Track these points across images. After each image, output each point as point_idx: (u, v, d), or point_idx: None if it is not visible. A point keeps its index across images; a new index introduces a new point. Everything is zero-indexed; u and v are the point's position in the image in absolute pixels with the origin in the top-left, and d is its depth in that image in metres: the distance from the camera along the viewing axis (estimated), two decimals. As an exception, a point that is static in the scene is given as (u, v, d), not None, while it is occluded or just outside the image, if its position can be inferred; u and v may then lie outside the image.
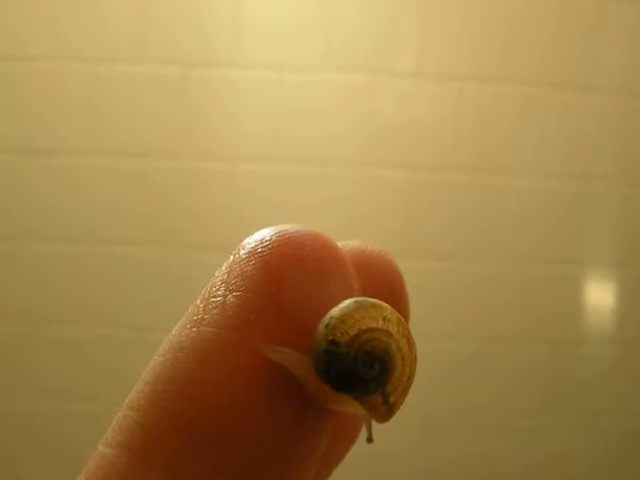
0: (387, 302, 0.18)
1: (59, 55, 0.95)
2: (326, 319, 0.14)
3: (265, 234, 0.15)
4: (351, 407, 0.15)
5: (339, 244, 0.17)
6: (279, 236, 0.15)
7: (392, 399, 0.15)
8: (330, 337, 0.14)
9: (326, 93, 0.96)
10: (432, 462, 0.97)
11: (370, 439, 0.16)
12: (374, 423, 0.16)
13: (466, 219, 0.97)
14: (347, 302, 0.15)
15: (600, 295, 0.99)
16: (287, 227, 0.15)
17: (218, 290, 0.15)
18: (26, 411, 0.95)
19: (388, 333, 0.15)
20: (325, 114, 0.96)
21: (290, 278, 0.15)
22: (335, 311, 0.15)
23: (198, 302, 0.15)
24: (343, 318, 0.14)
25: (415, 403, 0.96)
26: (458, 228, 0.97)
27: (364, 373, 0.14)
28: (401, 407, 0.16)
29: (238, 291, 0.15)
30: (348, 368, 0.14)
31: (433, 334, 0.96)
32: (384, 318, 0.15)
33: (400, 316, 0.15)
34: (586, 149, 0.99)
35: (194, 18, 0.95)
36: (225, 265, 0.15)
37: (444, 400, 0.97)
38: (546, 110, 0.98)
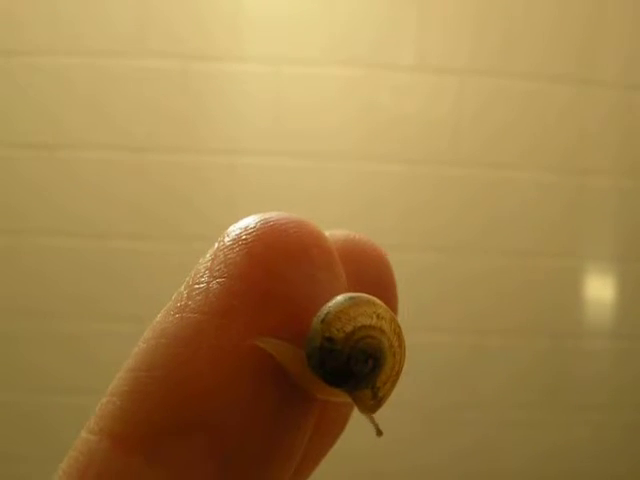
0: (374, 292, 0.18)
1: (60, 49, 0.95)
2: (321, 314, 0.14)
3: (249, 221, 0.15)
4: (339, 397, 0.15)
5: (326, 232, 0.17)
6: (263, 223, 0.15)
7: (381, 393, 0.15)
8: (326, 334, 0.14)
9: (325, 87, 0.96)
10: (432, 455, 0.97)
11: (379, 432, 0.16)
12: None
13: (465, 213, 0.97)
14: (341, 297, 0.15)
15: (600, 289, 0.99)
16: (272, 214, 0.15)
17: (202, 277, 0.15)
18: (28, 406, 0.95)
19: (381, 330, 0.15)
20: (324, 108, 0.96)
21: (274, 265, 0.15)
22: (330, 307, 0.15)
23: (182, 289, 0.15)
24: (339, 315, 0.14)
25: (415, 396, 0.96)
26: (457, 222, 0.97)
27: (358, 370, 0.14)
28: (388, 399, 0.16)
29: (222, 277, 0.15)
30: (342, 364, 0.14)
31: (433, 328, 0.96)
32: (378, 315, 0.15)
33: (392, 313, 0.15)
34: (586, 143, 0.98)
35: (194, 12, 0.95)
36: (210, 252, 0.15)
37: (444, 393, 0.97)
38: (546, 104, 0.97)
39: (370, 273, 0.18)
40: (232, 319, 0.14)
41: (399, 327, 0.16)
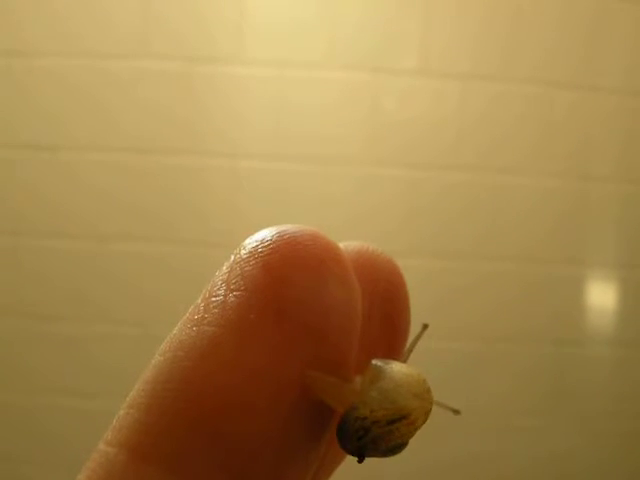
0: (387, 304, 0.18)
1: (62, 51, 0.95)
2: (359, 428, 0.14)
3: (266, 234, 0.15)
4: None
5: (340, 245, 0.17)
6: (280, 236, 0.15)
7: None
8: (361, 450, 0.15)
9: (329, 91, 0.96)
10: (433, 462, 0.97)
11: (456, 412, 0.18)
12: None
13: (468, 218, 0.97)
14: (381, 412, 0.15)
15: (602, 296, 0.99)
16: (288, 227, 0.15)
17: (219, 290, 0.15)
18: (27, 408, 0.95)
19: (411, 435, 0.15)
20: (327, 112, 0.96)
21: (290, 278, 0.15)
22: (367, 422, 0.14)
23: (199, 301, 0.15)
24: (375, 439, 0.14)
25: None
26: (459, 227, 0.97)
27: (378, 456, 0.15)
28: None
29: (238, 291, 0.15)
30: (364, 458, 0.15)
31: (434, 333, 0.95)
32: (415, 428, 0.15)
33: (430, 404, 0.15)
34: (589, 148, 0.99)
35: (198, 14, 0.96)
36: (226, 265, 0.15)
37: (445, 400, 0.96)
38: (549, 109, 0.98)
39: (383, 285, 0.18)
40: (249, 333, 0.14)
41: (431, 406, 0.15)
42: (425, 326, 0.19)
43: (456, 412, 0.18)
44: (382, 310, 0.18)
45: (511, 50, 0.97)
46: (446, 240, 0.97)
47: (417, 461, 0.96)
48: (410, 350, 0.18)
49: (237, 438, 0.14)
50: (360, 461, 0.15)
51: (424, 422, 0.15)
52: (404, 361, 0.17)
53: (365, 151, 0.96)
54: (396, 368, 0.15)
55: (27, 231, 0.95)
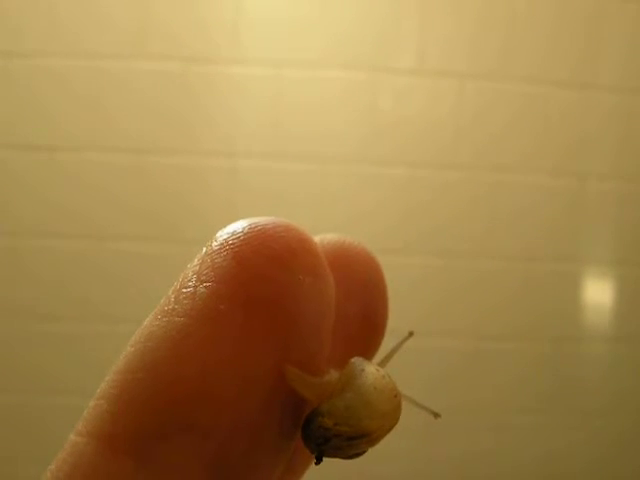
0: (364, 296, 0.18)
1: (60, 51, 0.95)
2: (320, 437, 0.15)
3: (237, 226, 0.15)
4: None
5: (315, 237, 0.17)
6: (250, 228, 0.15)
7: None
8: (317, 456, 0.15)
9: (326, 90, 0.96)
10: (432, 460, 0.97)
11: (437, 415, 0.18)
12: None
13: (465, 217, 0.97)
14: (342, 428, 0.15)
15: (599, 293, 0.99)
16: (260, 219, 0.16)
17: (189, 281, 0.15)
18: (26, 408, 0.95)
19: (374, 445, 0.15)
20: (325, 111, 0.96)
21: (260, 269, 0.15)
22: (331, 435, 0.15)
23: (170, 293, 0.15)
24: (335, 452, 0.15)
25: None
26: (457, 226, 0.97)
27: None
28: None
29: (209, 282, 0.15)
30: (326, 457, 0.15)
31: (432, 331, 0.96)
32: (376, 443, 0.15)
33: (397, 418, 0.15)
34: (585, 147, 0.98)
35: (194, 14, 0.96)
36: (197, 257, 0.15)
37: (443, 398, 0.97)
38: (546, 108, 0.98)
39: (360, 277, 0.18)
40: (219, 323, 0.14)
41: (394, 427, 0.16)
42: (410, 333, 0.19)
43: (436, 415, 0.18)
44: (359, 303, 0.18)
45: (508, 49, 0.97)
46: (444, 238, 0.97)
47: (415, 459, 0.96)
48: (390, 356, 0.18)
49: (208, 428, 0.14)
50: (317, 463, 0.15)
51: (387, 434, 0.15)
52: (383, 365, 0.17)
53: (363, 150, 0.96)
54: (369, 380, 0.15)
55: (25, 231, 0.96)
